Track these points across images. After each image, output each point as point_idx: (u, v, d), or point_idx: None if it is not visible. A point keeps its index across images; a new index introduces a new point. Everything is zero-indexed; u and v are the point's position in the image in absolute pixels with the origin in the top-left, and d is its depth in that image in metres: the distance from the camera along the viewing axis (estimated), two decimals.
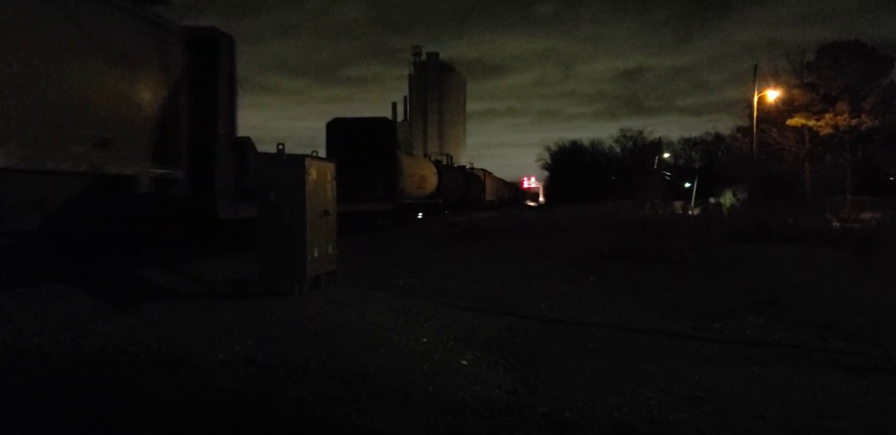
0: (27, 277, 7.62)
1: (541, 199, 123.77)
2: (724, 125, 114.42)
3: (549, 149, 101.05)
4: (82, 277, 8.09)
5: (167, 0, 9.38)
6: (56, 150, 7.02)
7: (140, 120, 8.70)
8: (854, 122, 47.40)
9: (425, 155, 38.40)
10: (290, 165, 7.71)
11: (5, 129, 6.42)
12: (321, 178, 8.10)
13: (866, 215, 21.36)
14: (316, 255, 7.86)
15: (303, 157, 7.82)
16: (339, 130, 23.08)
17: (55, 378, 4.44)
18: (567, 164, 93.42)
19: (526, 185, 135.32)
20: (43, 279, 7.64)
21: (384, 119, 24.88)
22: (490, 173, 55.86)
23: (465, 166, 45.60)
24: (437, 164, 33.93)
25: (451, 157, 42.86)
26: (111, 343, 5.32)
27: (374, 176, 21.65)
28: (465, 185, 39.53)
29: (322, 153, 8.11)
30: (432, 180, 30.08)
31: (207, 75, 9.99)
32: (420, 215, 23.72)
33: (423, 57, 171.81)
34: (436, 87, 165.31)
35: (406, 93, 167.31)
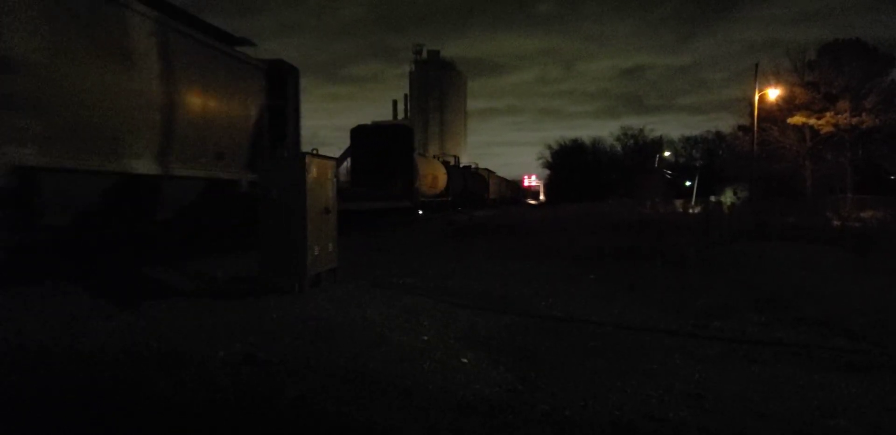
0: (28, 275, 7.62)
1: (541, 197, 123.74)
2: (725, 124, 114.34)
3: (549, 147, 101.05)
4: (83, 275, 8.10)
5: (254, 42, 12.39)
6: (193, 162, 9.78)
7: (240, 137, 11.73)
8: (855, 120, 47.37)
9: (434, 156, 40.11)
10: (290, 164, 7.71)
11: (182, 150, 9.63)
12: (321, 176, 8.10)
13: (867, 214, 21.35)
14: (317, 253, 7.86)
15: (303, 155, 7.82)
16: (362, 136, 25.15)
17: (56, 376, 4.44)
18: (568, 163, 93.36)
19: (527, 183, 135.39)
20: (44, 277, 7.64)
21: (404, 126, 27.97)
22: (493, 173, 59.17)
23: (470, 166, 49.06)
24: (446, 164, 36.31)
25: (458, 158, 46.73)
26: (112, 341, 5.32)
27: (394, 177, 23.60)
28: (471, 184, 42.32)
29: (322, 151, 8.26)
30: (442, 180, 32.30)
31: (279, 99, 12.89)
32: (420, 212, 25.19)
33: (424, 55, 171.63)
34: (436, 85, 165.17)
35: (407, 91, 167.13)
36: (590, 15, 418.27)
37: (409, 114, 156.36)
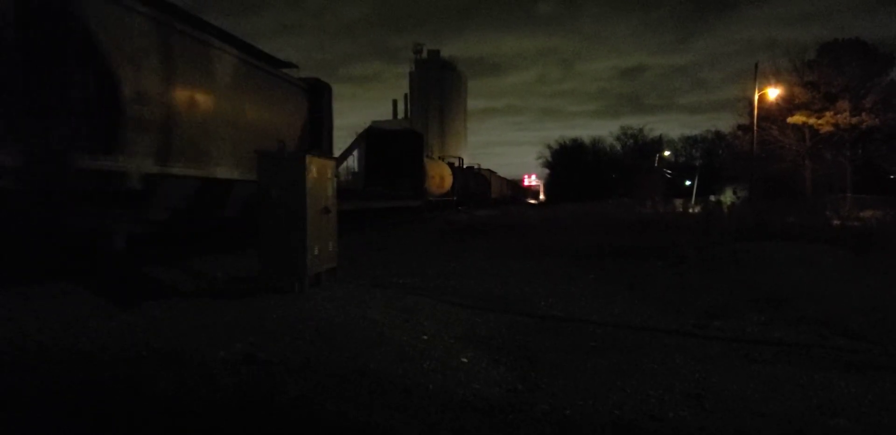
0: (28, 274, 7.62)
1: (541, 196, 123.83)
2: (725, 123, 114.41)
3: (549, 147, 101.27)
4: (84, 274, 8.10)
5: (297, 65, 14.76)
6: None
7: (290, 145, 13.74)
8: (854, 120, 47.37)
9: (440, 157, 42.51)
10: (290, 163, 7.71)
11: (249, 158, 10.19)
12: (321, 175, 8.10)
13: (866, 213, 21.32)
14: (317, 252, 7.86)
15: (303, 154, 7.82)
16: (375, 140, 27.61)
17: (56, 376, 4.44)
18: (568, 162, 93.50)
19: (527, 182, 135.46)
20: (44, 277, 7.64)
21: (415, 132, 30.65)
22: (495, 173, 61.86)
23: (473, 167, 51.06)
24: (451, 166, 38.25)
25: (462, 159, 48.15)
26: (112, 341, 5.32)
27: (405, 178, 25.78)
28: (474, 184, 45.44)
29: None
30: (448, 180, 34.52)
31: (317, 112, 15.19)
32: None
33: (424, 55, 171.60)
34: (437, 84, 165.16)
35: (407, 90, 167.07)
36: (589, 15, 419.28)
37: (409, 114, 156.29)
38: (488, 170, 58.43)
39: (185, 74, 9.83)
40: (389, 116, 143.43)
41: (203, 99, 10.36)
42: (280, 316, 6.32)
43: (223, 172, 10.83)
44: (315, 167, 7.86)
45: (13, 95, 7.07)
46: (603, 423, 4.04)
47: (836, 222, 17.96)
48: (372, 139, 27.70)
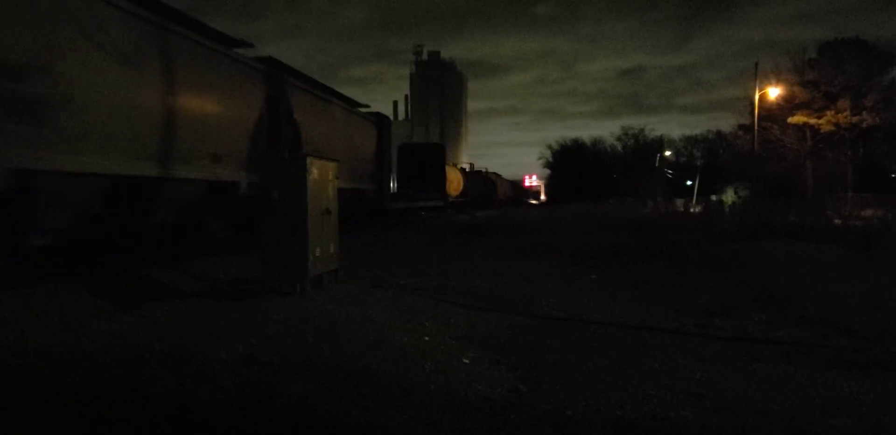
0: (29, 276, 7.63)
1: (542, 197, 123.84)
2: (724, 123, 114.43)
3: (550, 147, 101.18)
4: (84, 276, 8.10)
5: (368, 105, 21.35)
6: (351, 179, 17.04)
7: (369, 163, 20.49)
8: (855, 119, 47.31)
9: (453, 163, 46.67)
10: (291, 165, 7.71)
11: (349, 173, 15.55)
12: (323, 177, 8.10)
13: (867, 212, 21.27)
14: (318, 254, 7.86)
15: (304, 156, 7.83)
16: (406, 152, 35.45)
17: (58, 377, 4.44)
18: (569, 163, 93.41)
19: (527, 183, 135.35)
20: (45, 278, 7.64)
21: (439, 145, 40.18)
22: (500, 176, 68.60)
23: (481, 171, 57.23)
24: (462, 171, 45.50)
25: (472, 165, 56.67)
26: (114, 342, 5.33)
27: (430, 183, 33.04)
28: (482, 186, 51.74)
29: None
30: (461, 184, 41.51)
31: (381, 138, 21.75)
32: (423, 213, 29.73)
33: (424, 56, 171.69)
34: (437, 85, 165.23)
35: (407, 91, 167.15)
36: (588, 16, 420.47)
37: (409, 114, 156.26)
38: (494, 173, 64.19)
39: (321, 118, 16.22)
40: (392, 118, 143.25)
41: (328, 130, 16.60)
42: (281, 317, 6.33)
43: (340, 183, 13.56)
44: (316, 169, 7.86)
45: None
46: (604, 423, 4.04)
47: (837, 221, 17.95)
48: (404, 151, 35.20)
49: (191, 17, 10.07)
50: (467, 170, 48.42)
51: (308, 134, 14.71)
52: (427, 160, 33.98)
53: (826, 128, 47.89)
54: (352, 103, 19.06)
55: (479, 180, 50.39)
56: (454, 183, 38.13)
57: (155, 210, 9.64)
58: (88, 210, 8.21)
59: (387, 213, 23.19)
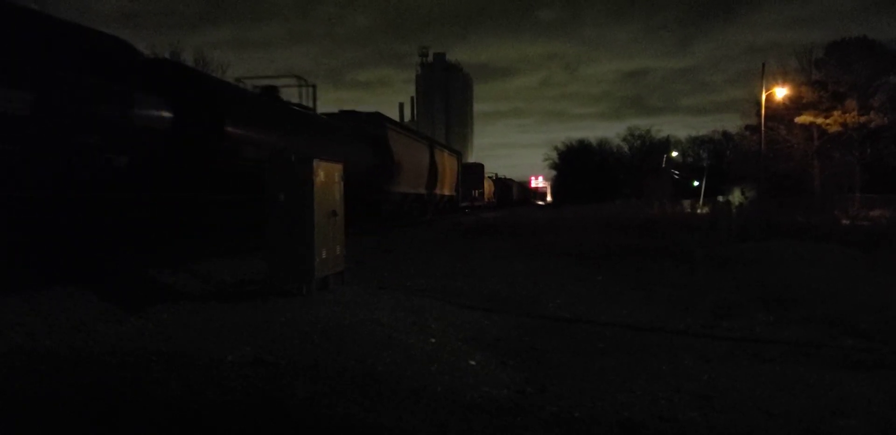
0: (36, 278, 7.65)
1: (548, 198, 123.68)
2: (728, 124, 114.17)
3: (556, 148, 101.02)
4: (91, 278, 8.13)
5: (460, 151, 45.04)
6: (441, 189, 32.32)
7: (454, 180, 36.92)
8: (863, 119, 47.08)
9: (488, 176, 61.24)
10: (298, 167, 7.72)
11: (440, 185, 32.04)
12: (329, 179, 8.11)
13: (875, 213, 21.24)
14: (324, 256, 7.87)
15: (310, 159, 7.83)
16: (466, 169, 44.60)
17: (65, 379, 4.46)
18: (575, 164, 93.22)
19: (533, 184, 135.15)
20: (52, 281, 7.67)
21: (481, 164, 54.34)
22: (514, 180, 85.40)
23: (503, 178, 72.02)
24: (490, 179, 59.67)
25: (497, 174, 69.96)
26: (121, 344, 5.34)
27: (477, 190, 49.39)
28: (504, 190, 67.68)
29: None
30: (493, 189, 59.37)
31: (460, 163, 39.34)
32: (429, 215, 31.44)
33: (430, 58, 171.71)
34: (442, 87, 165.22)
35: (413, 94, 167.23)
36: (591, 21, 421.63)
37: (415, 116, 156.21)
38: (510, 179, 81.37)
39: (412, 152, 25.80)
40: (396, 120, 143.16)
41: (424, 164, 27.87)
42: (288, 319, 6.33)
43: (423, 191, 28.63)
44: (323, 171, 7.87)
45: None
46: (611, 424, 4.04)
47: (844, 222, 17.92)
48: (465, 169, 43.85)
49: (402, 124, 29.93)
50: (493, 178, 63.69)
51: (407, 164, 24.75)
52: (476, 174, 49.22)
53: (833, 128, 47.65)
54: (447, 148, 36.89)
55: (501, 186, 67.05)
56: (489, 190, 56.17)
57: (411, 203, 26.09)
58: (402, 203, 24.78)
59: (460, 210, 39.36)
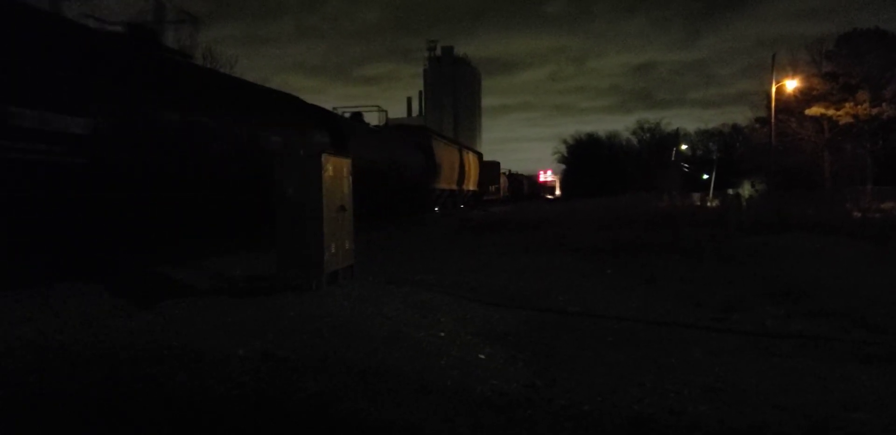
0: (47, 275, 7.70)
1: (557, 192, 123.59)
2: (737, 117, 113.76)
3: (565, 141, 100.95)
4: (103, 274, 8.17)
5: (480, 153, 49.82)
6: (469, 185, 38.10)
7: (477, 177, 41.97)
8: (875, 111, 46.83)
9: (503, 172, 65.64)
10: (306, 162, 7.72)
11: (468, 181, 38.39)
12: (337, 174, 8.11)
13: (887, 205, 21.10)
14: (333, 250, 7.88)
15: (319, 153, 7.83)
16: (484, 166, 46.79)
17: (77, 374, 4.49)
18: (584, 157, 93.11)
19: (542, 178, 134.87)
20: (63, 277, 7.72)
21: (497, 162, 57.02)
22: (525, 175, 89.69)
23: (515, 174, 77.22)
24: (504, 175, 64.71)
25: (510, 170, 76.04)
26: (131, 340, 5.37)
27: (494, 185, 53.29)
28: (515, 184, 72.28)
29: None
30: (507, 184, 64.86)
31: (482, 162, 45.92)
32: (437, 209, 32.22)
33: (438, 51, 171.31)
34: (451, 81, 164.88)
35: (421, 88, 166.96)
36: (598, 14, 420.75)
37: (423, 111, 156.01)
38: (521, 174, 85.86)
39: (452, 159, 32.80)
40: (404, 114, 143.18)
41: (456, 165, 33.77)
42: (297, 314, 6.35)
43: (460, 187, 35.72)
44: (331, 166, 7.87)
45: None
46: (621, 418, 4.03)
47: (856, 214, 17.79)
48: (483, 166, 47.32)
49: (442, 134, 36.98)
50: (507, 174, 69.40)
51: (442, 163, 29.73)
52: (493, 171, 53.07)
53: (844, 120, 47.38)
54: (468, 148, 41.72)
55: (514, 181, 72.16)
56: (505, 185, 62.44)
57: (447, 197, 32.98)
58: (441, 196, 31.23)
59: (484, 202, 45.06)
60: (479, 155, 44.66)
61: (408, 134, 26.99)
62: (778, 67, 37.73)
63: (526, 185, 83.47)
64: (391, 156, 20.56)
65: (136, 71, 9.27)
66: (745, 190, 52.51)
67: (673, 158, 75.79)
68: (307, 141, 14.03)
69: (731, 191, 50.19)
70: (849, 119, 47.31)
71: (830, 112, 47.41)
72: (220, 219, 11.05)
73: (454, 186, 34.01)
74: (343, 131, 16.67)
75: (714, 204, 31.43)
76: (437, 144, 29.46)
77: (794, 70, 47.61)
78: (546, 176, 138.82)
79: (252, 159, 11.12)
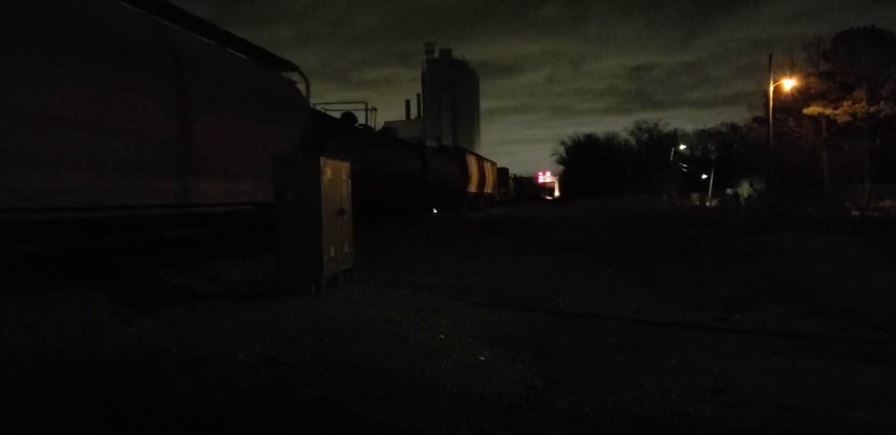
0: (46, 280, 7.68)
1: (556, 193, 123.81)
2: (733, 117, 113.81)
3: (564, 143, 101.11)
4: (102, 279, 8.16)
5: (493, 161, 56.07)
6: (476, 188, 42.45)
7: (493, 181, 50.37)
8: (872, 109, 46.85)
9: (509, 176, 71.73)
10: (305, 165, 7.72)
11: (480, 184, 44.38)
12: (336, 177, 8.11)
13: (886, 203, 21.07)
14: (332, 254, 7.87)
15: (317, 157, 7.83)
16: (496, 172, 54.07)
17: (77, 380, 4.48)
18: (582, 158, 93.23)
19: (541, 179, 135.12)
20: (62, 283, 7.70)
21: (506, 168, 62.58)
22: (528, 178, 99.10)
23: (520, 177, 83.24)
24: (511, 178, 70.11)
25: (515, 174, 79.99)
26: (131, 345, 5.36)
27: (505, 187, 59.28)
28: (520, 186, 78.13)
29: None
30: (513, 187, 69.98)
31: (498, 170, 56.41)
32: (435, 211, 33.69)
33: (436, 54, 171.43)
34: (449, 83, 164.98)
35: (419, 91, 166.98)
36: (594, 17, 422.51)
37: (422, 113, 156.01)
38: (525, 177, 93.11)
39: (476, 168, 41.21)
40: (403, 117, 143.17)
41: (479, 173, 42.58)
42: (297, 318, 6.34)
43: (470, 189, 40.30)
44: (330, 169, 7.86)
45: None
46: (622, 419, 4.03)
47: (854, 213, 17.76)
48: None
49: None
50: (513, 176, 74.20)
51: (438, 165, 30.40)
52: (504, 176, 58.88)
53: (842, 118, 47.41)
54: (486, 159, 46.37)
55: (519, 184, 78.87)
56: (512, 187, 68.71)
57: (473, 198, 40.16)
58: (469, 198, 38.75)
59: (494, 203, 49.47)
60: (494, 164, 52.65)
61: (448, 151, 38.83)
62: (775, 67, 37.79)
63: (528, 188, 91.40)
64: (445, 166, 30.32)
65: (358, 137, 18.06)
66: (744, 189, 52.37)
67: (671, 159, 75.88)
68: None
69: (729, 190, 50.17)
70: (846, 118, 47.35)
71: (828, 111, 47.45)
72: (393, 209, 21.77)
73: (478, 190, 42.52)
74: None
75: (713, 204, 31.44)
76: (469, 159, 39.35)
77: (791, 69, 47.68)
78: (545, 177, 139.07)
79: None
